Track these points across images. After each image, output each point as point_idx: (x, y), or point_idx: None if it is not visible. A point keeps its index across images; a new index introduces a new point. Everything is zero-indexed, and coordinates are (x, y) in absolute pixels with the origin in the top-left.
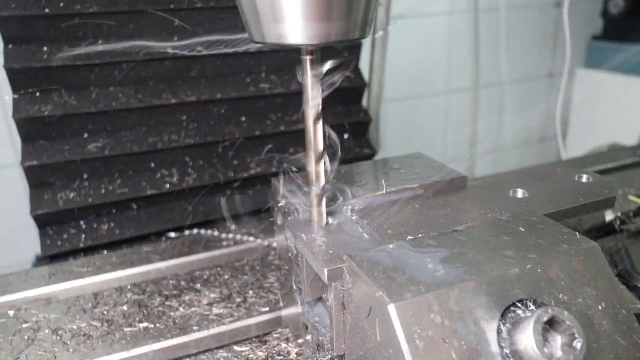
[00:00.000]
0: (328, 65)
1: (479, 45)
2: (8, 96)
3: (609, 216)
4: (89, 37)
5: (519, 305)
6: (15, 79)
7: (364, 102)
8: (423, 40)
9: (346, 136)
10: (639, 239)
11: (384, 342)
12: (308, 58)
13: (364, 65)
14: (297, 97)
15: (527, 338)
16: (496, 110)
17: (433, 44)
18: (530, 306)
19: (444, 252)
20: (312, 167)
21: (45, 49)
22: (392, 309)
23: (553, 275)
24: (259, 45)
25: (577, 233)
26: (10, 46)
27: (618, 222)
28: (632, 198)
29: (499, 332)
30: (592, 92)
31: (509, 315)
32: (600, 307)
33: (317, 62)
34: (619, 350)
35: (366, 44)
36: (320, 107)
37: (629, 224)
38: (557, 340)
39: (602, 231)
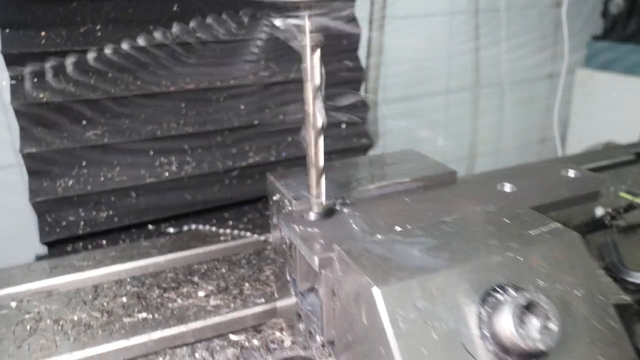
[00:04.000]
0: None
1: (479, 45)
2: (5, 81)
3: (600, 212)
4: (87, 21)
5: (499, 290)
6: (13, 65)
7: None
8: (423, 39)
9: (343, 126)
10: (628, 234)
11: (370, 324)
12: (307, 14)
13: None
14: (296, 84)
15: (505, 320)
16: (496, 110)
17: (433, 44)
18: (510, 291)
19: (430, 242)
20: (311, 143)
21: (43, 33)
22: (376, 293)
23: (534, 263)
24: (260, 34)
25: (560, 224)
26: (8, 31)
27: (608, 218)
28: (623, 194)
29: (480, 315)
30: (592, 92)
31: (490, 299)
32: (578, 294)
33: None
34: (595, 334)
35: (363, 44)
36: (320, 77)
37: (619, 219)
38: (534, 323)
39: (593, 226)
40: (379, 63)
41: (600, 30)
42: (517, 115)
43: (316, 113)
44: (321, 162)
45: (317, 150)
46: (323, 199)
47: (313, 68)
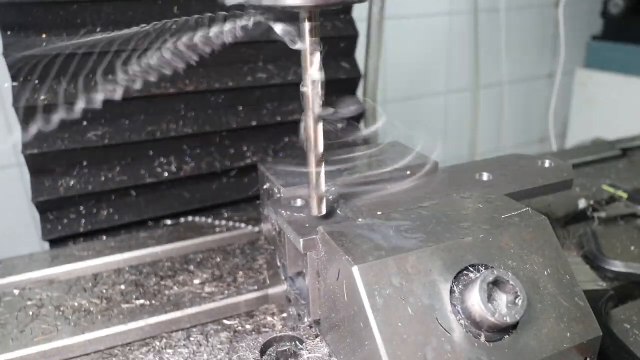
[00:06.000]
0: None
1: (479, 45)
2: (7, 83)
3: (582, 204)
4: (88, 24)
5: (471, 269)
6: (15, 67)
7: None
8: (423, 40)
9: (340, 126)
10: (609, 225)
11: (350, 300)
12: (307, 23)
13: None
14: (293, 87)
15: (474, 296)
16: (496, 110)
17: (433, 44)
18: (481, 270)
19: (407, 224)
20: (311, 132)
21: (44, 36)
22: (355, 270)
23: (504, 245)
24: (257, 35)
25: (530, 208)
26: (9, 33)
27: (590, 210)
28: (605, 187)
29: (452, 292)
30: (592, 92)
31: (462, 277)
32: (546, 273)
33: (316, 27)
34: (561, 310)
35: (361, 43)
36: (320, 75)
37: (600, 211)
38: (503, 299)
39: (575, 218)
40: (378, 63)
41: (600, 30)
42: (517, 115)
43: (315, 98)
44: (320, 149)
45: (316, 136)
46: (323, 188)
47: (312, 57)
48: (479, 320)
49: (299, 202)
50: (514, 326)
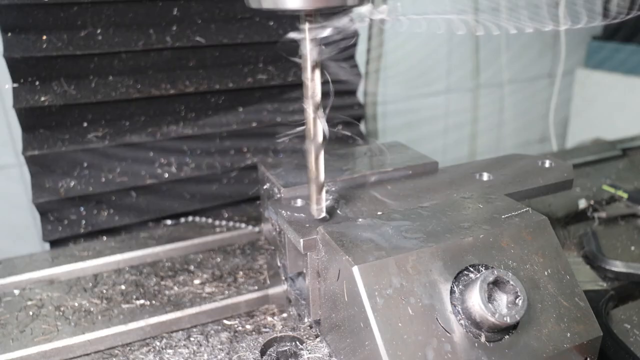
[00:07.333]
0: (327, 32)
1: (479, 45)
2: (8, 85)
3: (582, 204)
4: (88, 25)
5: (471, 269)
6: (15, 68)
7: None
8: (423, 40)
9: (340, 127)
10: (609, 224)
11: (350, 300)
12: (307, 25)
13: (360, 62)
14: (293, 88)
15: (474, 296)
16: (496, 110)
17: (433, 44)
18: (481, 270)
19: (408, 224)
20: (311, 159)
21: (45, 37)
22: (355, 270)
23: (503, 244)
24: (257, 37)
25: (530, 208)
26: (10, 34)
27: (590, 210)
28: (605, 187)
29: (452, 291)
30: (592, 92)
31: (462, 277)
32: (546, 273)
33: (316, 30)
34: (562, 310)
35: (362, 42)
36: (320, 84)
37: (600, 211)
38: (503, 299)
39: (575, 218)
40: (378, 64)
41: (600, 31)
42: (517, 115)
43: (317, 129)
44: (322, 178)
45: (317, 165)
46: (323, 196)
47: (314, 84)
48: (479, 320)
49: (299, 202)
50: (514, 326)
